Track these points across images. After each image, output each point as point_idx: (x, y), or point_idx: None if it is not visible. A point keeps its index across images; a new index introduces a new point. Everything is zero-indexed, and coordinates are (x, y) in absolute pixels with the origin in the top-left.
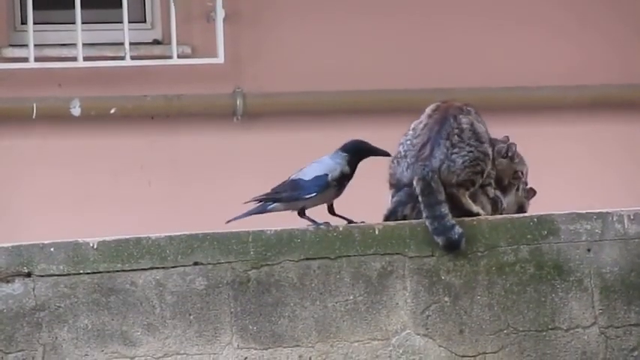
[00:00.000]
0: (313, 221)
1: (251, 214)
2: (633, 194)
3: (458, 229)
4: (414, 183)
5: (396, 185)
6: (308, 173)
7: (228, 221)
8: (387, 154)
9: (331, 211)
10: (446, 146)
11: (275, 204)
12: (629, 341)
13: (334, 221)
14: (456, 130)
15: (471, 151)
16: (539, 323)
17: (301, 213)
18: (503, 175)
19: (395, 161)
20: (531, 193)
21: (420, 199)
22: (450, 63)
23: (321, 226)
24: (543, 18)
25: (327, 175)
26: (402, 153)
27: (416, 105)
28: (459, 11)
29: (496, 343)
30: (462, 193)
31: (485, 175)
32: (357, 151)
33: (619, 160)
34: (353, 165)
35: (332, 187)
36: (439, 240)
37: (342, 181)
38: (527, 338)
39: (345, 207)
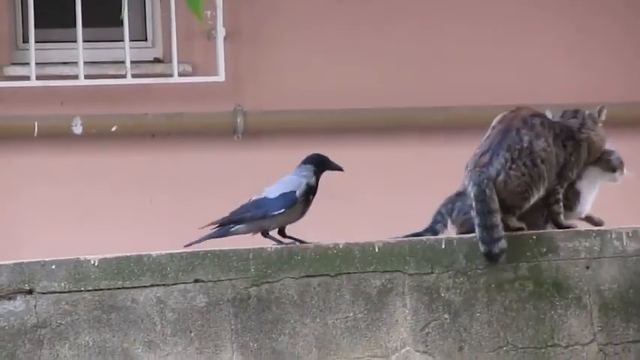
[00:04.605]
0: (278, 241)
1: (212, 237)
2: (636, 212)
3: (501, 244)
4: (469, 189)
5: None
6: (273, 191)
7: (187, 245)
8: (340, 169)
9: (282, 232)
10: (505, 157)
11: (238, 226)
12: (627, 358)
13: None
14: (517, 146)
15: (524, 174)
16: (538, 340)
17: (265, 234)
18: (602, 146)
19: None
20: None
21: (473, 205)
22: (451, 81)
23: (288, 246)
24: (546, 36)
25: (294, 191)
26: (467, 166)
27: (416, 123)
28: (459, 31)
29: None
30: (508, 217)
31: (531, 202)
32: (320, 163)
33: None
34: (317, 177)
35: (299, 203)
36: (481, 247)
37: (309, 195)
38: (526, 355)
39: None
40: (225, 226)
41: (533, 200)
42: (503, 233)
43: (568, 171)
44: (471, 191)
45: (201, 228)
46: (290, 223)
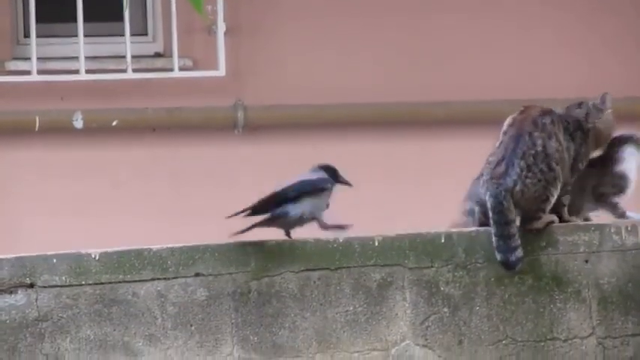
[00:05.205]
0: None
1: (264, 224)
2: (636, 207)
3: (518, 253)
4: (486, 198)
5: (481, 206)
6: (307, 175)
7: (236, 233)
8: (349, 184)
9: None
10: (520, 166)
11: (294, 206)
12: (626, 351)
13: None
14: (532, 151)
15: (540, 180)
16: (537, 334)
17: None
18: (610, 134)
19: (479, 183)
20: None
21: (490, 215)
22: (451, 76)
23: (288, 239)
24: (546, 31)
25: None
26: (482, 173)
27: (416, 118)
28: (460, 25)
29: (495, 353)
30: (532, 223)
31: (552, 202)
32: (333, 173)
33: None
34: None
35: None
36: (498, 256)
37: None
38: (525, 349)
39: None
40: (280, 207)
41: (553, 200)
42: (519, 242)
43: (578, 162)
44: (488, 202)
45: (244, 215)
46: (315, 216)
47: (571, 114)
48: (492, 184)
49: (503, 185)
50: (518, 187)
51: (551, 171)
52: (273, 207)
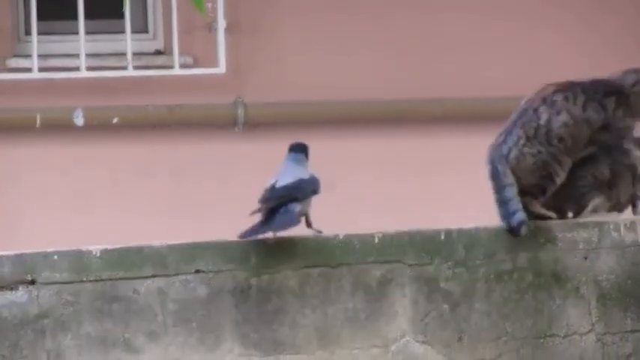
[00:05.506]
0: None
1: (276, 228)
2: None
3: (518, 216)
4: (485, 167)
5: None
6: (302, 174)
7: (242, 236)
8: None
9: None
10: (518, 135)
11: (295, 204)
12: (625, 348)
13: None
14: (534, 124)
15: (541, 152)
16: (537, 330)
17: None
18: None
19: None
20: None
21: (490, 183)
22: (451, 74)
23: (289, 236)
24: (546, 28)
25: (317, 178)
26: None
27: (416, 115)
28: (458, 24)
29: (494, 350)
30: (527, 200)
31: (557, 182)
32: (307, 153)
33: None
34: None
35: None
36: (503, 223)
37: None
38: (525, 345)
39: None
40: (284, 206)
41: (558, 180)
42: (520, 206)
43: (619, 123)
44: (486, 169)
45: (251, 214)
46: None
47: (608, 79)
48: (489, 151)
49: (499, 151)
50: (513, 154)
51: (551, 146)
52: (280, 206)
